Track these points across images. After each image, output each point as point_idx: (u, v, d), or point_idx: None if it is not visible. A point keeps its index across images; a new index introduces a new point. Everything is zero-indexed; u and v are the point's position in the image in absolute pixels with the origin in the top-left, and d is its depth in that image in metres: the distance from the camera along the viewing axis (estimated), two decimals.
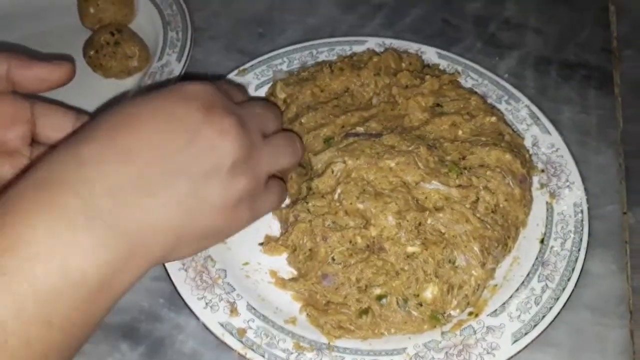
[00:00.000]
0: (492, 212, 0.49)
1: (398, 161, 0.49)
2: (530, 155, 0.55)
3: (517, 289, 0.47)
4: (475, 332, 0.45)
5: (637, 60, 0.67)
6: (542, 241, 0.50)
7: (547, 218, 0.51)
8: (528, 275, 0.48)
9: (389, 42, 0.64)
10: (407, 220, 0.47)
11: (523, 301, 0.47)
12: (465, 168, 0.50)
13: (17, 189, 0.35)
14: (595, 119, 0.61)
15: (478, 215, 0.48)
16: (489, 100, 0.58)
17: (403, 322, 0.45)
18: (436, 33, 0.69)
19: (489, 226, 0.47)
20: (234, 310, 0.46)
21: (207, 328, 0.45)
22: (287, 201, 0.52)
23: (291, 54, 0.63)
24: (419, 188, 0.49)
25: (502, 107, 0.58)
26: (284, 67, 0.62)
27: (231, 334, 0.45)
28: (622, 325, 0.48)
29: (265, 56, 0.62)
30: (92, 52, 0.62)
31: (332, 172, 0.49)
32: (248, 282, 0.48)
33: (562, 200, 0.52)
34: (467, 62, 0.62)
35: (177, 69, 0.61)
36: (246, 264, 0.49)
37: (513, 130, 0.55)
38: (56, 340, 0.34)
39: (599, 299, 0.49)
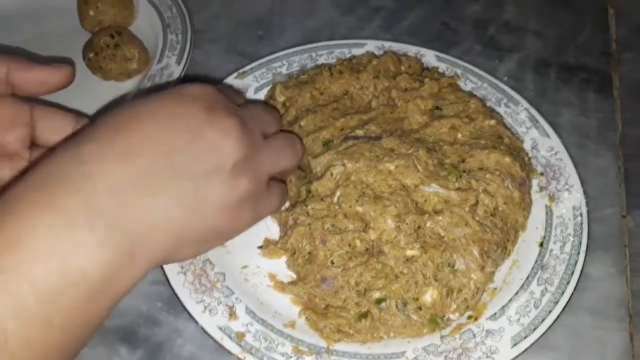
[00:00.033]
0: (492, 215, 0.49)
1: (397, 164, 0.49)
2: (529, 158, 0.55)
3: (517, 293, 0.47)
4: (474, 336, 0.45)
5: (636, 63, 0.67)
6: (541, 244, 0.50)
7: (546, 221, 0.51)
8: (527, 278, 0.48)
9: (388, 45, 0.64)
10: (407, 224, 0.47)
11: (522, 305, 0.47)
12: (464, 171, 0.50)
13: (17, 189, 0.35)
14: (594, 122, 0.61)
15: (477, 218, 0.48)
16: (488, 103, 0.58)
17: (402, 325, 0.45)
18: (435, 36, 0.69)
19: (488, 229, 0.47)
20: (232, 314, 0.46)
21: (205, 332, 0.45)
22: (287, 204, 0.52)
23: (291, 57, 0.63)
24: (418, 191, 0.49)
25: (501, 110, 0.58)
26: (284, 70, 0.62)
27: (230, 337, 0.45)
28: (621, 329, 0.48)
29: (265, 59, 0.62)
30: (91, 55, 0.62)
31: (332, 175, 0.49)
32: (247, 286, 0.48)
33: (561, 203, 0.52)
34: (466, 65, 0.62)
35: (176, 71, 0.61)
36: (245, 267, 0.49)
37: (512, 133, 0.55)
38: (57, 341, 0.33)
39: (599, 303, 0.49)
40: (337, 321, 0.45)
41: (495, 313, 0.46)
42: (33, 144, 0.46)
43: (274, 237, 0.51)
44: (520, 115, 0.58)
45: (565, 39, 0.69)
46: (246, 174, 0.41)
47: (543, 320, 0.46)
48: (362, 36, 0.67)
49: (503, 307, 0.47)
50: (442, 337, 0.45)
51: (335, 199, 0.48)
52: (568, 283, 0.47)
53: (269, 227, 0.51)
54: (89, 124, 0.43)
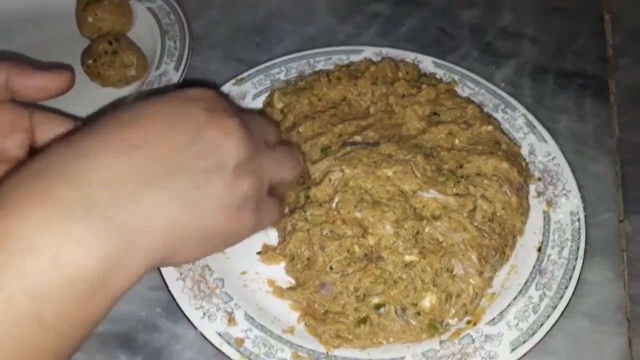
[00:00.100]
0: (490, 220, 0.49)
1: (395, 170, 0.49)
2: (527, 164, 0.55)
3: (515, 298, 0.47)
4: (473, 341, 0.45)
5: (633, 69, 0.67)
6: (539, 249, 0.50)
7: (544, 226, 0.51)
8: (526, 283, 0.48)
9: (385, 51, 0.64)
10: (405, 229, 0.47)
11: (521, 309, 0.47)
12: (462, 177, 0.50)
13: (10, 181, 0.34)
14: (591, 128, 0.61)
15: (475, 223, 0.48)
16: (486, 109, 0.59)
17: (401, 331, 0.45)
18: (432, 42, 0.69)
19: (486, 235, 0.48)
20: (231, 320, 0.46)
21: (205, 338, 0.45)
22: (285, 210, 0.52)
23: (289, 63, 0.63)
24: (417, 197, 0.49)
25: (498, 115, 0.59)
26: (282, 76, 0.62)
27: (229, 343, 0.45)
28: (619, 333, 0.48)
29: (263, 65, 0.62)
30: (90, 61, 0.62)
31: (330, 181, 0.50)
32: (246, 292, 0.48)
33: (559, 208, 0.52)
34: (464, 71, 0.62)
35: (175, 77, 0.62)
36: (244, 273, 0.49)
37: (510, 138, 0.56)
38: (49, 341, 0.32)
39: (597, 307, 0.49)
40: (336, 327, 0.45)
41: (494, 318, 0.46)
42: (32, 149, 0.46)
43: (272, 243, 0.51)
44: (517, 121, 0.58)
45: (562, 45, 0.69)
46: (248, 175, 0.40)
47: (541, 325, 0.46)
48: (360, 43, 0.68)
49: (502, 312, 0.47)
50: (441, 342, 0.45)
51: (334, 205, 0.48)
52: (566, 288, 0.47)
53: (268, 233, 0.51)
54: (84, 125, 0.43)
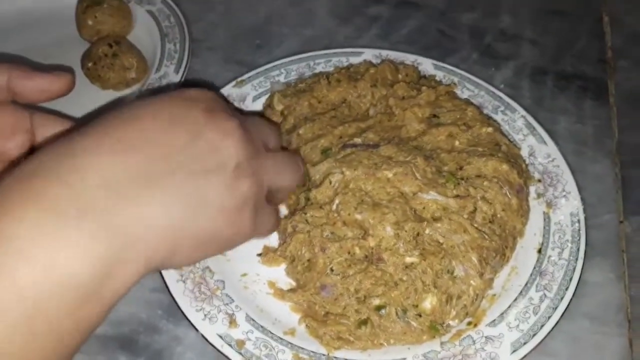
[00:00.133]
0: (490, 222, 0.49)
1: (396, 172, 0.49)
2: (526, 166, 0.55)
3: (516, 299, 0.47)
4: (474, 342, 0.45)
5: (632, 71, 0.67)
6: (539, 251, 0.50)
7: (544, 228, 0.51)
8: (526, 285, 0.48)
9: (385, 53, 0.64)
10: (405, 231, 0.47)
11: (521, 311, 0.47)
12: (462, 178, 0.50)
13: (4, 181, 0.33)
14: (591, 129, 0.61)
15: (476, 225, 0.48)
16: (485, 111, 0.59)
17: (402, 332, 0.45)
18: (432, 44, 0.69)
19: (486, 236, 0.48)
20: (232, 322, 0.46)
21: (206, 339, 0.45)
22: (286, 212, 0.52)
23: (288, 66, 0.63)
24: (417, 198, 0.49)
25: (498, 117, 0.59)
26: (282, 79, 0.62)
27: (230, 345, 0.45)
28: (620, 334, 0.48)
29: (263, 67, 0.62)
30: (90, 64, 0.62)
31: (330, 182, 0.50)
32: (247, 293, 0.48)
33: (559, 210, 0.52)
34: (463, 73, 0.62)
35: (175, 80, 0.62)
36: (245, 275, 0.49)
37: (509, 140, 0.56)
38: (42, 349, 0.31)
39: (597, 308, 0.49)
40: (337, 328, 0.45)
41: (495, 319, 0.46)
42: (33, 150, 0.46)
43: (273, 245, 0.51)
44: (517, 123, 0.58)
45: (561, 47, 0.69)
46: (248, 176, 0.39)
47: (542, 326, 0.46)
48: (360, 45, 0.68)
49: (502, 313, 0.47)
50: (442, 343, 0.45)
51: (334, 207, 0.48)
52: (566, 289, 0.47)
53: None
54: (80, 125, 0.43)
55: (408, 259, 0.46)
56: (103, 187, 0.33)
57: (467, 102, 0.58)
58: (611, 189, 0.57)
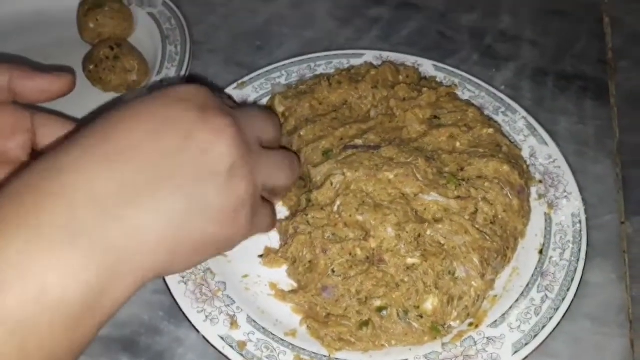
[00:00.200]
0: (491, 223, 0.49)
1: (397, 173, 0.49)
2: (528, 166, 0.55)
3: (517, 300, 0.47)
4: (475, 343, 0.45)
5: (632, 71, 0.67)
6: (541, 252, 0.50)
7: (545, 229, 0.51)
8: (527, 285, 0.48)
9: (386, 55, 0.64)
10: (407, 232, 0.47)
11: (523, 312, 0.47)
12: (463, 179, 0.50)
13: None
14: (592, 130, 0.61)
15: (477, 226, 0.48)
16: (486, 112, 0.59)
17: (404, 333, 0.45)
18: (432, 46, 0.69)
19: (488, 237, 0.48)
20: (234, 323, 0.46)
21: (207, 341, 0.45)
22: (287, 213, 0.52)
23: (289, 67, 0.63)
24: (418, 200, 0.49)
25: (499, 118, 0.59)
26: (283, 81, 0.62)
27: (231, 347, 0.45)
28: (622, 335, 0.48)
29: (264, 69, 0.63)
30: (91, 67, 0.62)
31: (332, 184, 0.50)
32: (248, 295, 0.48)
33: (560, 210, 0.52)
34: (464, 74, 0.62)
35: (176, 82, 0.62)
36: (246, 276, 0.49)
37: (510, 141, 0.56)
38: None
39: (599, 309, 0.49)
40: (339, 330, 0.45)
41: (496, 320, 0.46)
42: (34, 150, 0.46)
43: (274, 246, 0.51)
44: (518, 124, 0.58)
45: (561, 48, 0.69)
46: (243, 177, 0.38)
47: (544, 327, 0.46)
48: (360, 46, 0.68)
49: (504, 314, 0.47)
50: (443, 344, 0.45)
51: (336, 208, 0.49)
52: (568, 290, 0.47)
53: (270, 236, 0.51)
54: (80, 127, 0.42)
55: (409, 260, 0.46)
56: (91, 206, 0.33)
57: (468, 103, 0.58)
58: (612, 190, 0.57)
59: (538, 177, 0.55)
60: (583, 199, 0.53)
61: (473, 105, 0.58)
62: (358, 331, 0.45)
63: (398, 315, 0.45)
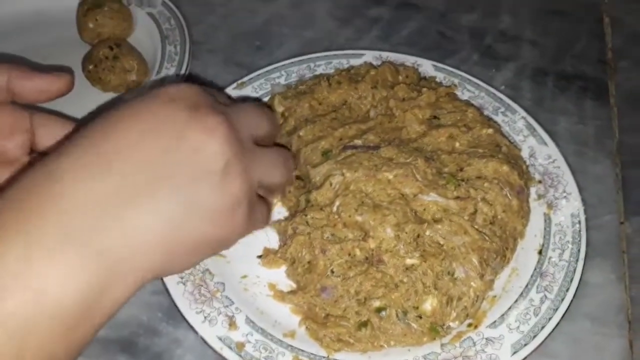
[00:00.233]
0: (490, 223, 0.49)
1: (396, 173, 0.49)
2: (527, 167, 0.55)
3: (516, 300, 0.47)
4: (474, 344, 0.45)
5: (632, 72, 0.67)
6: (540, 252, 0.50)
7: (544, 229, 0.51)
8: (527, 286, 0.48)
9: (385, 55, 0.64)
10: (406, 232, 0.47)
11: (522, 312, 0.47)
12: (462, 180, 0.50)
13: None
14: (592, 130, 0.61)
15: (476, 226, 0.48)
16: (486, 112, 0.59)
17: (402, 334, 0.45)
18: (432, 46, 0.69)
19: (487, 238, 0.48)
20: (232, 324, 0.46)
21: (205, 342, 0.45)
22: (286, 214, 0.52)
23: (289, 68, 0.63)
24: (417, 200, 0.49)
25: (498, 118, 0.59)
26: (282, 81, 0.62)
27: (230, 348, 0.45)
28: (621, 335, 0.48)
29: (263, 69, 0.62)
30: (91, 67, 0.62)
31: (331, 184, 0.50)
32: (247, 295, 0.48)
33: (559, 211, 0.52)
34: (463, 74, 0.62)
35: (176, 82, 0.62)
36: (245, 277, 0.49)
37: (510, 141, 0.56)
38: None
39: (598, 309, 0.49)
40: (337, 330, 0.45)
41: (495, 321, 0.46)
42: (33, 150, 0.46)
43: (273, 247, 0.51)
44: (517, 124, 0.58)
45: (561, 48, 0.69)
46: (237, 176, 0.38)
47: (543, 327, 0.46)
48: (360, 47, 0.68)
49: (503, 314, 0.47)
50: (442, 345, 0.45)
51: (335, 209, 0.48)
52: (567, 290, 0.47)
53: (269, 237, 0.51)
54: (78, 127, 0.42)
55: (408, 261, 0.46)
56: (85, 212, 0.33)
57: (468, 103, 0.58)
58: (612, 190, 0.57)
59: (537, 177, 0.54)
60: (582, 199, 0.53)
61: (472, 105, 0.58)
62: (357, 332, 0.45)
63: (397, 315, 0.45)
